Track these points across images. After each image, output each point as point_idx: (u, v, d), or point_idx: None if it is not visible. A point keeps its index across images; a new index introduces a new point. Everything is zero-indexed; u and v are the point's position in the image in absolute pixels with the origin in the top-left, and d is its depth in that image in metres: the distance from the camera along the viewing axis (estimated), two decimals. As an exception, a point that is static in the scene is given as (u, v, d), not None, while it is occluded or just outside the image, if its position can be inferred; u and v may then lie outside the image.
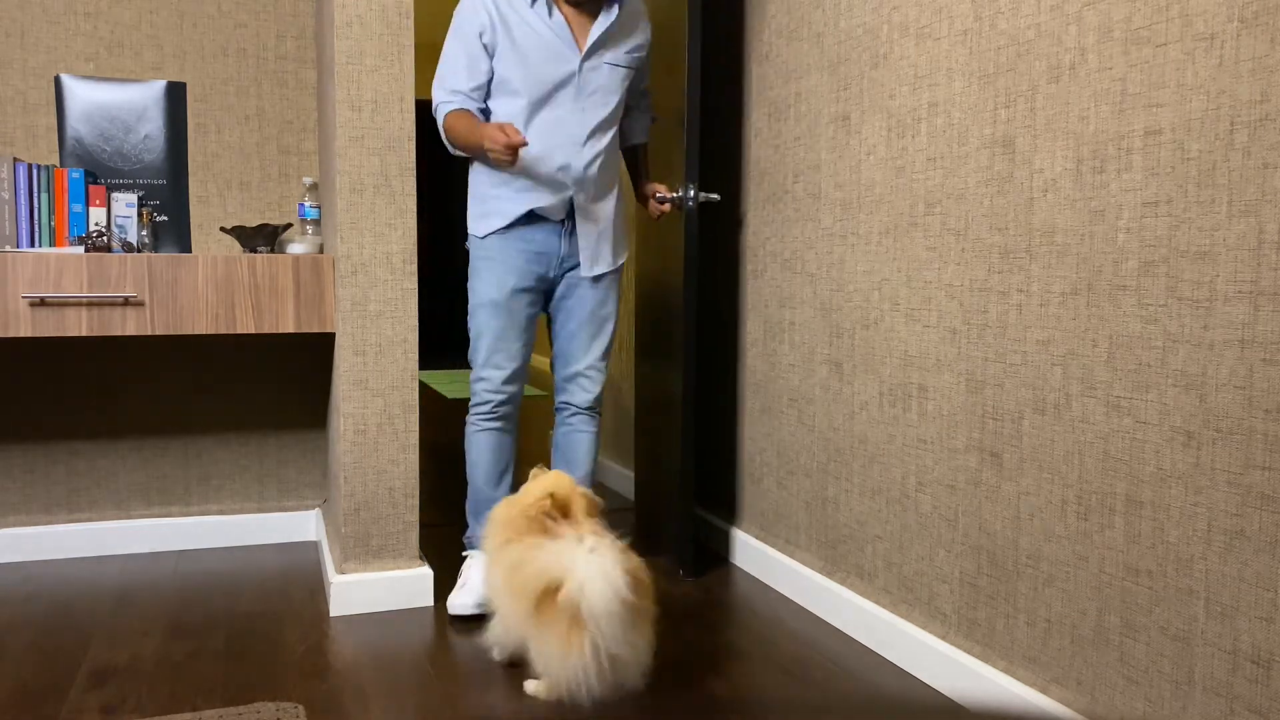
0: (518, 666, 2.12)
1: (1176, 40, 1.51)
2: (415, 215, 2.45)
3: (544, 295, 2.47)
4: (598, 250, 2.45)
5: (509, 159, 2.17)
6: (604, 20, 2.36)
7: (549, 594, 1.80)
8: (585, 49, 2.35)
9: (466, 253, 2.49)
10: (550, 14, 2.33)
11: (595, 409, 2.53)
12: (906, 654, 2.13)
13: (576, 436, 2.53)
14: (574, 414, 2.52)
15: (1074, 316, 1.71)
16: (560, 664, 1.81)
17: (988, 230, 1.90)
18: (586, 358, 2.49)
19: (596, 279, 2.45)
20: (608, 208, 2.46)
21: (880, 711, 1.94)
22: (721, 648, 2.24)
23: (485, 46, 2.33)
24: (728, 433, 2.95)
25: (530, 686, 2.00)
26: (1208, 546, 1.49)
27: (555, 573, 1.80)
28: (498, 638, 2.05)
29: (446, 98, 2.37)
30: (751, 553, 2.78)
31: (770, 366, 2.70)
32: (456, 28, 2.36)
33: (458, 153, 2.38)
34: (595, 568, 1.77)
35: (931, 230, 2.05)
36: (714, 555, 2.96)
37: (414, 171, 2.44)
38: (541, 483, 2.02)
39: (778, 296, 2.65)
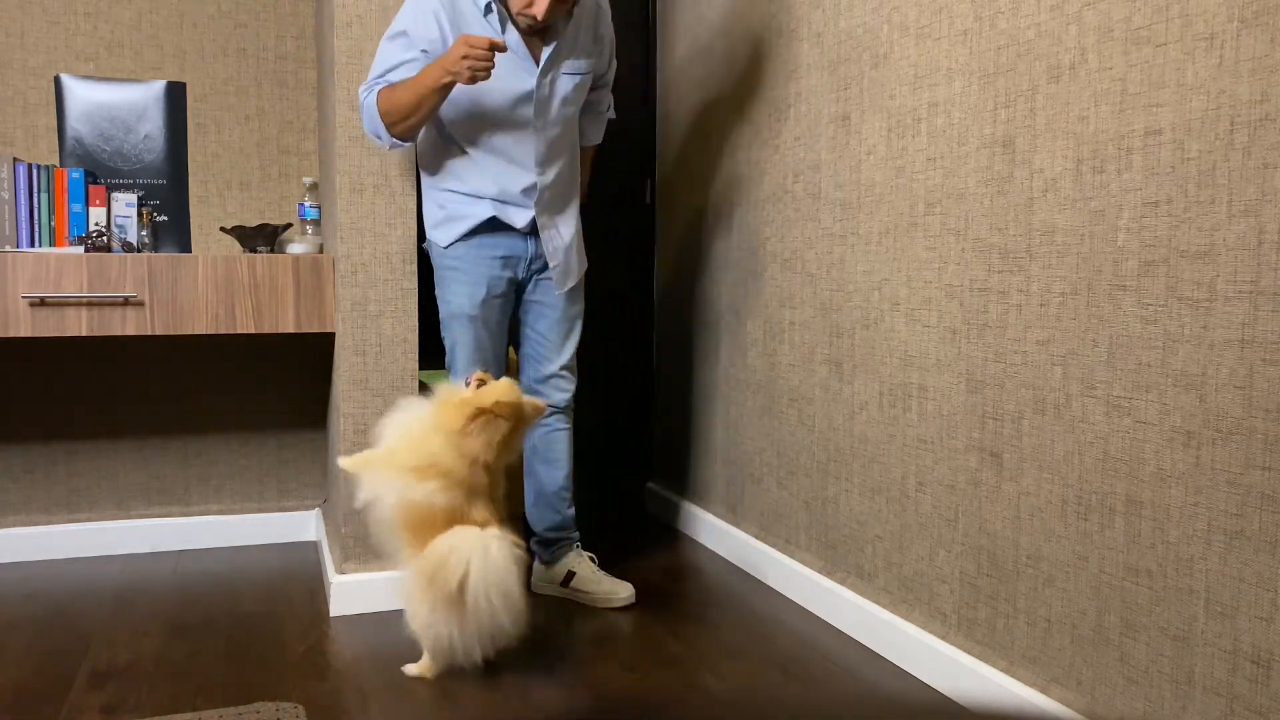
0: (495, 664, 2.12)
1: (1176, 40, 1.51)
2: (415, 215, 2.45)
3: (514, 296, 2.43)
4: (567, 265, 2.42)
5: (488, 65, 2.03)
6: (555, 39, 2.28)
7: (437, 571, 1.91)
8: (542, 64, 2.27)
9: (426, 255, 2.43)
10: (504, 29, 2.23)
11: (572, 408, 2.54)
12: (906, 654, 2.13)
13: (556, 436, 2.52)
14: (552, 414, 2.51)
15: (1074, 316, 1.71)
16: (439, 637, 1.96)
17: (988, 230, 1.90)
18: (560, 358, 2.47)
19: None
20: (572, 221, 2.43)
21: (880, 711, 1.94)
22: (719, 647, 2.24)
23: (432, 60, 2.17)
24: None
25: (411, 669, 2.08)
26: (1208, 546, 1.49)
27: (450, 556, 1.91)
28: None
29: (376, 82, 2.20)
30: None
31: (770, 366, 2.70)
32: (401, 32, 2.20)
33: (395, 141, 2.22)
34: (480, 552, 1.90)
35: (931, 230, 2.05)
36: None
37: (414, 171, 2.44)
38: (496, 389, 2.03)
39: (778, 296, 2.65)
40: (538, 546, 2.58)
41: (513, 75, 2.25)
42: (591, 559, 2.57)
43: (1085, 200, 1.68)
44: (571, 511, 2.57)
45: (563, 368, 2.49)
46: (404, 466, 1.98)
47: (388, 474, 2.00)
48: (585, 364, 3.44)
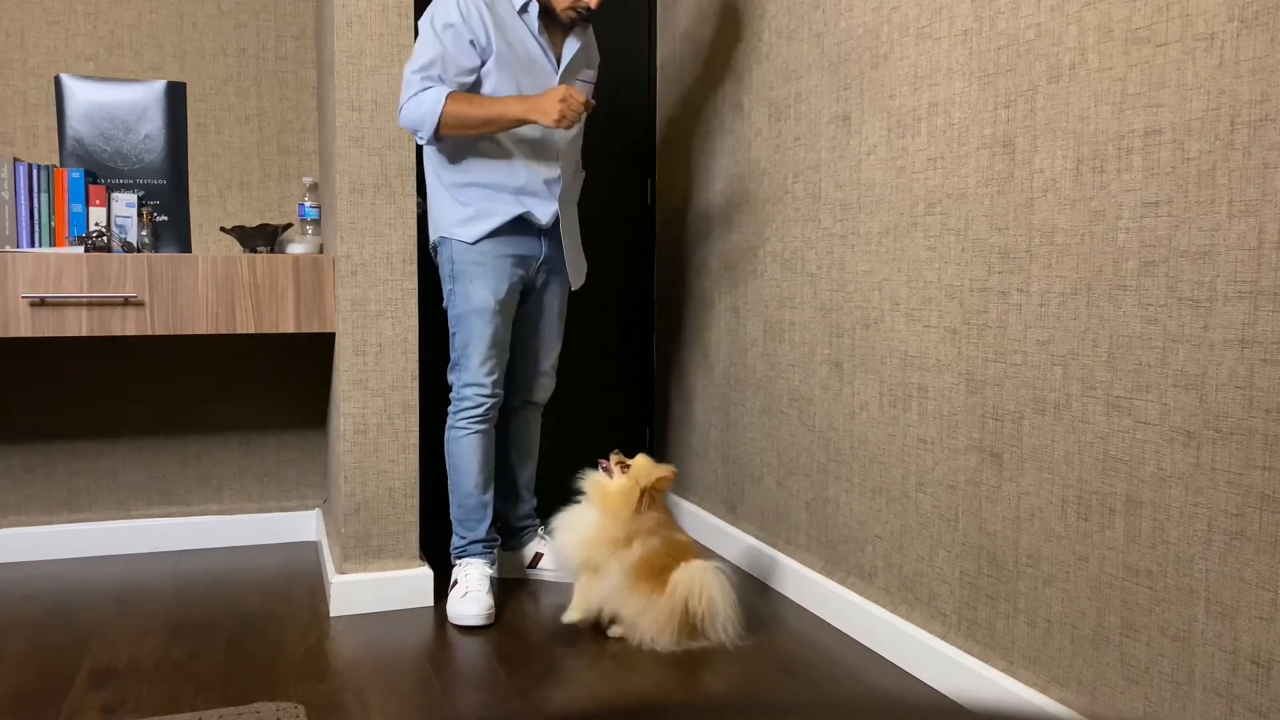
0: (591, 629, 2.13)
1: (1176, 40, 1.51)
2: (415, 215, 2.45)
3: (521, 295, 2.53)
4: (576, 262, 2.56)
5: (577, 119, 2.19)
6: (575, 41, 2.42)
7: (678, 605, 2.20)
8: (563, 66, 2.41)
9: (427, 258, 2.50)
10: (538, 28, 2.36)
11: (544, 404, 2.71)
12: (906, 654, 2.13)
13: (532, 431, 2.69)
14: (533, 410, 2.67)
15: (1074, 316, 1.71)
16: (656, 633, 2.22)
17: (988, 230, 1.90)
18: (550, 356, 2.61)
19: (560, 284, 2.56)
20: (576, 219, 2.58)
21: (880, 711, 1.94)
22: (720, 647, 2.24)
23: (479, 51, 2.29)
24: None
25: (614, 630, 2.29)
26: (1208, 546, 1.49)
27: (685, 590, 2.21)
28: (586, 604, 2.31)
29: (431, 83, 2.25)
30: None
31: (770, 366, 2.70)
32: (451, 24, 2.27)
33: (432, 140, 2.27)
34: (715, 588, 2.22)
35: (931, 230, 2.05)
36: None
37: (414, 171, 2.44)
38: (642, 470, 2.31)
39: (778, 296, 2.65)
40: (504, 534, 2.70)
41: (541, 71, 2.39)
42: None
43: (1085, 200, 1.68)
44: (535, 500, 2.74)
45: (551, 365, 2.63)
46: (603, 551, 2.27)
47: (604, 559, 2.28)
48: (586, 364, 3.45)
